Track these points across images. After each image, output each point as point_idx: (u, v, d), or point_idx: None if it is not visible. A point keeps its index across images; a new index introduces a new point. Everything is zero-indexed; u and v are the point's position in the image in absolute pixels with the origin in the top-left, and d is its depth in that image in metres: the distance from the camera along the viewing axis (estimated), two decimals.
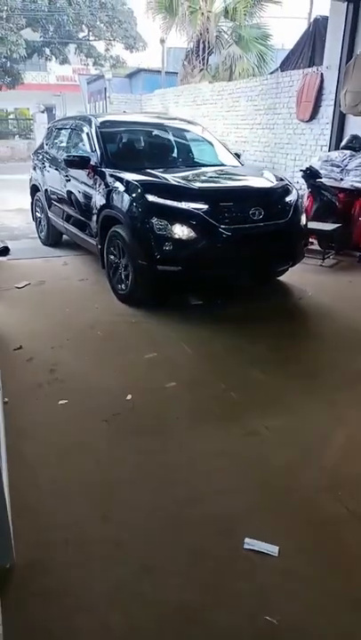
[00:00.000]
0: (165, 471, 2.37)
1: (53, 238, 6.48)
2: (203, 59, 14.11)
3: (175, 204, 3.99)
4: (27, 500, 2.14)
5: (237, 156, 5.73)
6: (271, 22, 21.90)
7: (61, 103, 29.27)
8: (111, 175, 4.50)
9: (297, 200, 4.50)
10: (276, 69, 11.46)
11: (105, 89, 14.76)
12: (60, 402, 2.90)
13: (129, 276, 4.32)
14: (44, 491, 2.23)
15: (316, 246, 6.17)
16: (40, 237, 6.80)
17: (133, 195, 4.13)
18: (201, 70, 14.12)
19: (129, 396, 2.97)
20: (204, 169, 5.04)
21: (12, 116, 27.83)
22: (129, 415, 2.80)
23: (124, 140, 5.35)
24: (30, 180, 6.83)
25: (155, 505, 2.16)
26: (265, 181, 4.64)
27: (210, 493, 2.23)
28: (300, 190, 7.38)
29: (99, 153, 4.83)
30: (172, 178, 4.33)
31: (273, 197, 4.41)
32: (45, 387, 3.07)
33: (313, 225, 6.04)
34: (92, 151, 4.95)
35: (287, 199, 4.42)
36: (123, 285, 4.46)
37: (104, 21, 19.61)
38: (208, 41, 13.98)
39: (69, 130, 5.83)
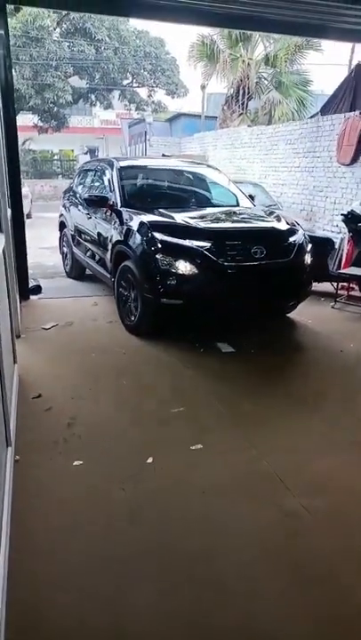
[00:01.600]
0: (185, 562, 2.04)
1: (77, 271, 6.82)
2: (242, 103, 14.34)
3: (179, 241, 4.23)
4: (21, 593, 1.85)
5: (251, 197, 5.98)
6: (312, 68, 22.23)
7: (104, 145, 30.57)
8: (126, 214, 4.79)
9: (302, 241, 4.67)
10: (317, 114, 11.44)
11: (145, 132, 15.15)
12: (76, 463, 2.64)
13: (137, 308, 4.52)
14: (43, 580, 1.93)
15: (357, 292, 5.83)
16: (65, 270, 7.16)
17: (142, 232, 4.37)
18: (240, 115, 14.33)
19: (150, 459, 2.68)
20: (214, 209, 5.29)
21: (56, 157, 29.08)
22: (149, 482, 2.51)
23: (141, 182, 5.69)
24: (59, 217, 7.27)
25: (167, 610, 1.83)
26: (270, 222, 4.88)
27: (240, 597, 1.89)
28: (340, 234, 7.13)
29: (117, 193, 5.16)
30: (181, 217, 4.58)
31: (275, 237, 4.58)
32: (61, 444, 2.82)
33: (354, 270, 5.74)
34: (111, 191, 5.29)
35: (291, 239, 4.58)
36: (131, 317, 4.67)
37: (147, 69, 20.47)
38: (248, 87, 14.24)
39: (94, 171, 6.21)
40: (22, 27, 15.63)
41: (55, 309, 5.53)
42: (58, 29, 18.18)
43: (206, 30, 14.24)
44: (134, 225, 4.51)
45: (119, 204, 5.02)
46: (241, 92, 14.24)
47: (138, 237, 4.40)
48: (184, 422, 3.11)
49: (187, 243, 4.21)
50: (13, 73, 15.91)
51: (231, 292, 4.21)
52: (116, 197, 5.12)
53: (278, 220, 4.93)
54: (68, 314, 5.30)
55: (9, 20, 15.19)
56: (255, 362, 4.12)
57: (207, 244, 4.18)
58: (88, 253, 5.98)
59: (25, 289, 5.85)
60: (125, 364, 3.99)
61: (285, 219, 5.00)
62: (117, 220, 4.88)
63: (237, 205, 5.62)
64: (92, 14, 16.83)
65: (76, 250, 6.51)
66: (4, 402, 2.48)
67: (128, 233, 4.59)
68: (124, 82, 21.56)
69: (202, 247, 4.17)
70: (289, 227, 4.77)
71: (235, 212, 5.30)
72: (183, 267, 4.14)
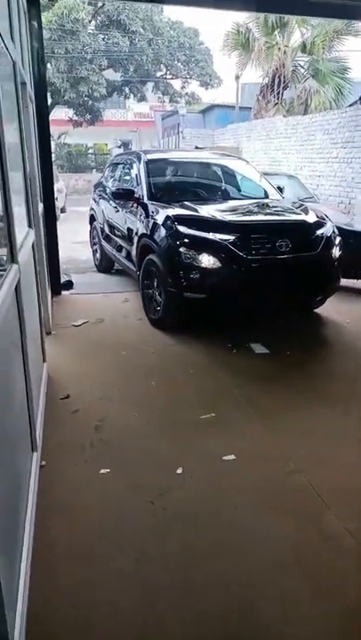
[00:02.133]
0: (214, 585, 1.90)
1: (106, 265, 6.88)
2: (277, 93, 13.95)
3: (203, 234, 4.18)
4: (39, 605, 1.76)
5: (280, 189, 5.84)
6: (351, 55, 21.45)
7: (137, 138, 30.54)
8: (151, 207, 4.78)
9: (330, 234, 4.54)
10: (356, 102, 10.97)
11: (178, 124, 14.95)
12: (102, 471, 2.53)
13: (161, 302, 4.49)
14: (62, 593, 1.83)
15: None
16: (95, 264, 7.24)
17: (166, 225, 4.36)
18: (275, 104, 13.95)
19: (180, 469, 2.55)
20: (241, 202, 5.23)
21: (90, 151, 29.24)
22: (178, 495, 2.37)
23: (168, 175, 5.70)
24: (89, 210, 7.38)
25: (193, 633, 1.70)
26: (297, 215, 4.77)
27: (276, 623, 1.74)
28: None
29: (143, 186, 5.15)
30: (207, 210, 4.53)
31: (302, 230, 4.49)
32: (88, 449, 2.73)
33: None
34: (138, 184, 5.31)
35: (318, 232, 4.46)
36: (156, 311, 4.65)
37: (181, 60, 20.19)
38: (284, 75, 13.82)
39: (123, 165, 6.23)
40: (58, 20, 15.65)
41: (86, 305, 5.47)
42: (93, 22, 18.12)
43: (242, 18, 13.89)
44: (159, 218, 4.49)
45: (145, 197, 5.02)
46: (276, 81, 13.85)
47: (162, 230, 4.38)
48: (215, 429, 2.96)
49: (210, 236, 4.16)
50: (49, 67, 15.98)
51: (255, 286, 4.12)
52: (142, 190, 5.13)
53: (306, 212, 4.81)
54: (98, 310, 5.22)
55: (45, 13, 15.21)
56: (291, 365, 3.92)
57: (231, 238, 4.11)
58: (116, 247, 6.00)
59: (57, 284, 5.82)
60: (155, 364, 3.87)
61: (314, 211, 4.88)
62: (143, 213, 4.87)
63: (266, 198, 5.51)
64: (128, 3, 16.72)
65: (104, 243, 6.55)
66: (30, 407, 2.40)
67: (153, 226, 4.58)
68: (158, 74, 21.36)
69: (226, 240, 4.10)
70: (316, 219, 4.65)
71: (262, 205, 5.20)
72: (207, 260, 4.09)
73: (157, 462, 2.62)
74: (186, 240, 4.17)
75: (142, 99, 22.53)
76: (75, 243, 8.77)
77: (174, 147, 16.81)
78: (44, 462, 2.57)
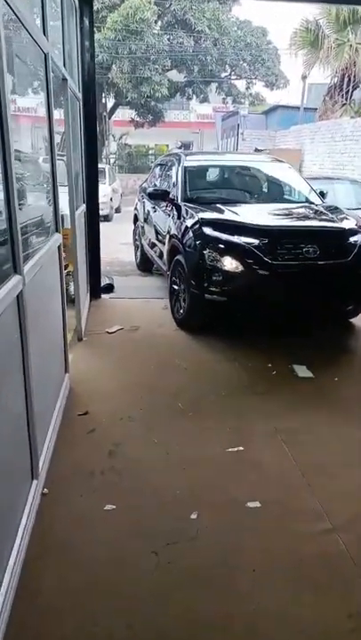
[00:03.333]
0: None
1: (144, 263, 6.92)
2: (346, 93, 13.21)
3: (228, 237, 4.13)
4: None
5: (322, 194, 5.67)
6: None
7: (199, 140, 30.34)
8: (184, 208, 4.80)
9: None
10: None
11: (238, 125, 14.55)
12: (107, 507, 2.26)
13: (186, 303, 4.49)
14: None
15: None
16: (136, 263, 7.31)
17: (193, 227, 4.37)
18: (343, 105, 13.22)
19: (194, 514, 2.23)
20: (276, 205, 5.12)
21: (151, 152, 29.41)
22: (188, 547, 2.06)
23: (204, 177, 5.73)
24: (134, 210, 7.49)
25: None
26: (330, 221, 4.66)
27: None
28: None
29: (179, 188, 5.19)
30: (238, 213, 4.53)
31: (332, 237, 4.37)
32: (97, 477, 2.47)
33: None
34: (174, 186, 5.36)
35: (352, 240, 4.28)
36: (180, 310, 4.65)
37: (247, 60, 19.72)
38: (354, 74, 13.05)
39: (165, 166, 6.28)
40: (123, 20, 15.70)
41: (124, 311, 5.26)
42: (159, 22, 18.07)
43: (312, 14, 13.27)
44: (189, 220, 4.52)
45: (179, 199, 5.06)
46: (346, 80, 13.10)
47: (189, 232, 4.39)
48: (242, 467, 2.61)
49: (235, 239, 4.11)
50: (113, 67, 16.05)
51: (280, 292, 4.01)
52: (177, 192, 5.17)
53: (342, 219, 4.65)
54: (135, 317, 4.99)
55: (110, 14, 15.30)
56: (338, 394, 3.49)
57: (256, 242, 4.03)
58: (151, 245, 6.14)
59: (97, 287, 5.66)
60: (186, 382, 3.57)
61: (354, 219, 4.74)
62: (176, 214, 4.91)
63: (304, 202, 5.40)
64: (195, 1, 16.51)
65: (143, 242, 6.69)
66: (32, 430, 2.17)
67: (182, 227, 4.58)
68: (222, 74, 21.02)
69: (250, 244, 4.03)
70: (351, 227, 4.47)
71: (295, 209, 5.11)
72: (229, 263, 4.03)
73: (170, 503, 2.31)
74: (210, 242, 4.14)
75: (205, 99, 22.26)
76: (122, 244, 8.63)
77: (233, 148, 16.39)
78: (46, 490, 2.34)
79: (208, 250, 4.10)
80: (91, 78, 5.04)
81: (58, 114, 3.37)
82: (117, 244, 8.71)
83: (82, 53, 4.90)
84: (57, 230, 3.05)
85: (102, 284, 5.86)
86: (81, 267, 4.63)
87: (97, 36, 16.60)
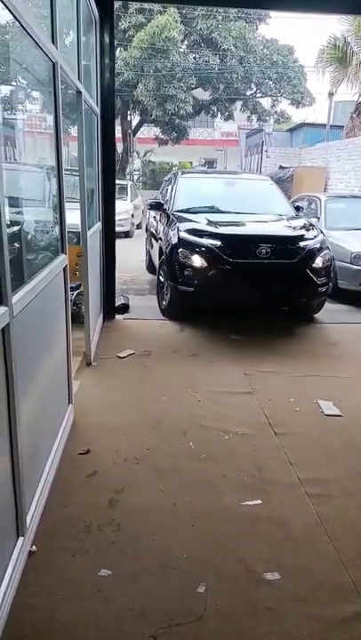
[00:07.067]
0: None
1: (151, 268, 7.58)
2: None
3: (197, 240, 5.04)
4: None
5: (297, 208, 6.51)
6: None
7: (223, 157, 30.33)
8: (172, 216, 5.70)
9: (313, 248, 5.11)
10: None
11: (262, 142, 14.35)
12: (102, 572, 1.96)
13: (168, 295, 5.40)
14: None
15: None
16: (145, 265, 8.11)
17: (173, 231, 5.33)
18: None
19: (202, 587, 1.91)
20: (248, 216, 5.84)
21: (175, 169, 29.51)
22: (192, 631, 1.73)
23: (194, 192, 6.43)
24: (146, 221, 8.47)
25: None
26: (286, 229, 5.51)
27: None
28: None
29: (172, 200, 6.18)
30: (214, 222, 5.35)
31: (282, 242, 5.14)
32: (93, 533, 2.17)
33: None
34: (169, 199, 6.30)
35: (300, 244, 5.10)
36: (164, 301, 5.57)
37: (273, 78, 19.60)
38: None
39: (168, 182, 7.21)
40: (149, 39, 15.79)
41: (137, 333, 5.00)
42: (185, 41, 18.14)
43: (340, 30, 13.06)
44: (172, 226, 5.44)
45: (170, 209, 5.97)
46: None
47: (170, 236, 5.32)
48: (260, 526, 2.27)
49: (203, 241, 4.98)
50: (139, 85, 16.12)
51: (235, 283, 4.87)
52: (170, 203, 6.11)
53: (302, 229, 5.46)
54: (149, 340, 4.73)
55: (138, 33, 15.42)
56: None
57: (219, 244, 4.89)
58: (152, 248, 7.06)
59: (111, 308, 5.43)
60: (199, 417, 3.25)
61: (315, 229, 5.60)
62: (165, 222, 5.85)
63: (276, 214, 6.09)
64: (222, 22, 16.55)
65: (148, 247, 7.64)
66: (18, 482, 1.89)
67: (167, 232, 5.51)
68: (248, 92, 20.96)
69: (214, 245, 4.89)
70: (300, 234, 5.29)
71: (264, 219, 5.84)
72: (197, 260, 4.94)
73: (175, 570, 1.99)
74: (184, 244, 5.06)
75: (230, 117, 22.19)
76: (141, 261, 8.42)
77: (257, 165, 16.19)
78: (34, 548, 2.06)
79: (181, 249, 5.02)
80: (110, 93, 4.88)
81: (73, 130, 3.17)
82: (137, 261, 8.51)
83: (101, 68, 4.75)
84: (63, 251, 2.82)
85: (117, 304, 5.63)
86: (93, 287, 4.42)
87: (123, 54, 16.80)
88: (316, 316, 5.72)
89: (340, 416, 3.36)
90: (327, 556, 2.11)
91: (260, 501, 2.43)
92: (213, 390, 3.67)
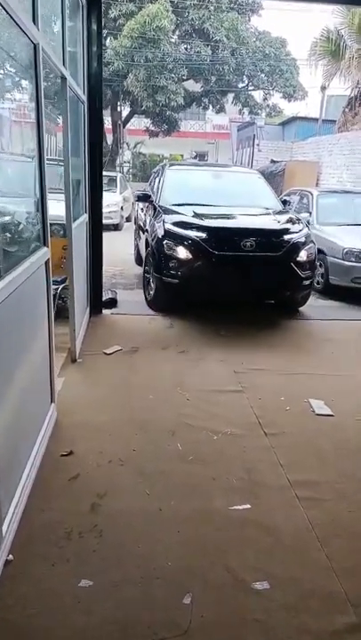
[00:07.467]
0: None
1: (139, 261, 7.33)
2: None
3: (182, 232, 5.02)
4: None
5: (284, 202, 6.54)
6: None
7: (214, 150, 30.11)
8: (159, 208, 5.68)
9: (297, 241, 5.11)
10: None
11: (254, 136, 14.22)
12: (82, 583, 1.86)
13: (153, 286, 5.38)
14: None
15: None
16: (134, 257, 8.02)
17: (159, 223, 5.27)
18: None
19: (188, 598, 1.82)
20: (234, 209, 5.82)
21: (165, 161, 29.24)
22: None
23: (182, 184, 6.38)
24: (135, 214, 8.27)
25: None
26: (271, 223, 5.54)
27: None
28: None
29: (158, 192, 6.14)
30: (198, 213, 5.33)
31: (267, 235, 5.18)
32: (74, 540, 2.07)
33: None
34: (156, 190, 6.26)
35: (285, 238, 5.11)
36: (149, 293, 5.55)
37: (265, 71, 19.43)
38: None
39: (156, 174, 7.17)
40: (140, 28, 15.52)
41: (125, 329, 4.89)
42: (177, 31, 17.88)
43: (334, 23, 12.93)
44: (158, 218, 5.39)
45: (157, 200, 5.95)
46: None
47: (156, 228, 5.26)
48: (249, 531, 2.19)
49: (188, 233, 4.96)
50: (129, 76, 15.86)
51: (220, 275, 4.85)
52: (157, 195, 6.07)
53: (287, 222, 5.47)
54: (137, 336, 4.62)
55: (128, 22, 15.15)
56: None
57: (205, 236, 4.88)
58: (139, 240, 7.03)
59: (98, 302, 5.30)
60: (187, 417, 3.16)
61: (301, 223, 5.60)
62: (152, 213, 5.82)
63: (263, 207, 6.05)
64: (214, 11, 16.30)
65: (137, 239, 7.56)
66: None
67: (153, 224, 5.48)
68: (240, 85, 20.77)
69: (200, 237, 4.88)
70: (285, 227, 5.31)
71: (251, 212, 5.78)
72: (182, 252, 4.91)
73: (159, 580, 1.90)
74: (169, 236, 5.02)
75: (221, 110, 22.00)
76: (130, 254, 8.29)
77: (249, 159, 16.05)
78: (11, 557, 1.95)
79: (167, 241, 4.99)
80: (97, 82, 4.72)
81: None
82: (125, 254, 8.37)
83: (89, 56, 4.59)
84: (45, 244, 2.69)
85: (104, 298, 5.50)
86: (79, 281, 4.29)
87: (113, 43, 16.51)
88: (307, 312, 5.66)
89: (331, 416, 3.29)
90: (318, 564, 2.03)
91: (249, 505, 2.34)
92: (202, 389, 3.58)
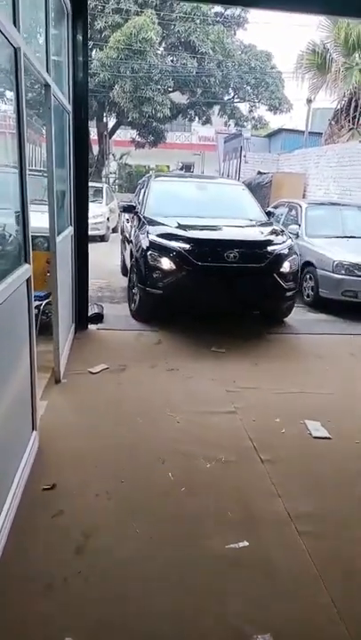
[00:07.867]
0: None
1: (125, 271, 7.18)
2: (353, 117, 12.90)
3: (166, 243, 5.01)
4: None
5: (268, 214, 6.67)
6: None
7: (200, 162, 30.21)
8: (143, 219, 5.68)
9: (281, 252, 5.13)
10: None
11: (241, 148, 14.23)
12: None
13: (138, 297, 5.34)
14: None
15: None
16: (120, 267, 7.95)
17: (143, 234, 5.29)
18: (350, 130, 12.89)
19: None
20: (219, 220, 5.83)
21: (152, 172, 29.22)
22: None
23: (166, 195, 6.35)
24: (121, 225, 8.24)
25: None
26: (255, 234, 5.59)
27: None
28: None
29: (143, 203, 6.16)
30: (182, 224, 5.32)
31: (251, 246, 5.20)
32: (57, 590, 1.87)
33: None
34: (141, 202, 6.26)
35: (268, 249, 5.13)
36: (133, 304, 5.53)
37: (251, 84, 19.56)
38: None
39: (141, 185, 7.12)
40: (126, 39, 15.50)
41: (112, 345, 4.71)
42: (163, 43, 17.92)
43: (320, 37, 13.05)
44: (143, 229, 5.39)
45: (142, 211, 5.96)
46: (353, 104, 12.81)
47: (140, 239, 5.28)
48: (247, 573, 2.01)
49: (172, 244, 4.96)
50: (115, 87, 15.76)
51: (203, 286, 4.86)
52: (142, 206, 6.08)
53: (272, 234, 5.50)
54: (124, 353, 4.44)
55: (114, 33, 15.09)
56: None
57: (188, 247, 4.88)
58: (125, 250, 6.95)
59: (83, 317, 5.10)
60: (178, 442, 2.98)
61: (285, 235, 5.58)
62: (137, 224, 5.82)
63: (247, 218, 6.09)
64: (200, 25, 16.39)
65: (123, 250, 7.49)
66: None
67: (138, 235, 5.49)
68: (225, 97, 20.87)
69: (183, 249, 4.88)
70: (268, 239, 5.32)
71: (234, 224, 5.78)
72: (166, 263, 4.91)
73: (150, 633, 1.71)
74: (153, 247, 5.02)
75: (207, 121, 22.06)
76: (116, 265, 8.12)
77: (235, 171, 16.06)
78: None
79: (151, 252, 4.99)
80: (83, 91, 4.57)
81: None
82: (112, 265, 8.22)
83: (74, 65, 4.45)
84: (26, 261, 2.51)
85: (90, 313, 5.31)
86: (63, 296, 4.10)
87: (99, 54, 16.45)
88: (298, 326, 5.56)
89: (328, 438, 3.14)
90: (324, 610, 1.86)
91: (246, 543, 2.17)
92: (193, 410, 3.41)
